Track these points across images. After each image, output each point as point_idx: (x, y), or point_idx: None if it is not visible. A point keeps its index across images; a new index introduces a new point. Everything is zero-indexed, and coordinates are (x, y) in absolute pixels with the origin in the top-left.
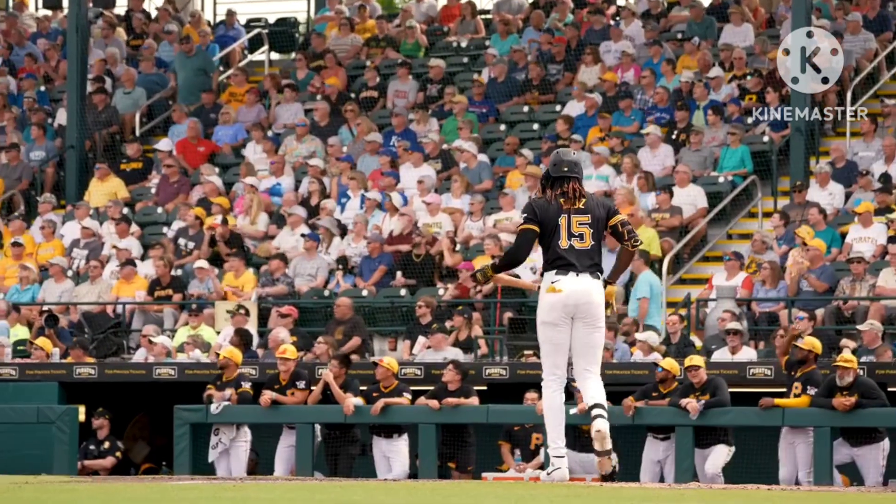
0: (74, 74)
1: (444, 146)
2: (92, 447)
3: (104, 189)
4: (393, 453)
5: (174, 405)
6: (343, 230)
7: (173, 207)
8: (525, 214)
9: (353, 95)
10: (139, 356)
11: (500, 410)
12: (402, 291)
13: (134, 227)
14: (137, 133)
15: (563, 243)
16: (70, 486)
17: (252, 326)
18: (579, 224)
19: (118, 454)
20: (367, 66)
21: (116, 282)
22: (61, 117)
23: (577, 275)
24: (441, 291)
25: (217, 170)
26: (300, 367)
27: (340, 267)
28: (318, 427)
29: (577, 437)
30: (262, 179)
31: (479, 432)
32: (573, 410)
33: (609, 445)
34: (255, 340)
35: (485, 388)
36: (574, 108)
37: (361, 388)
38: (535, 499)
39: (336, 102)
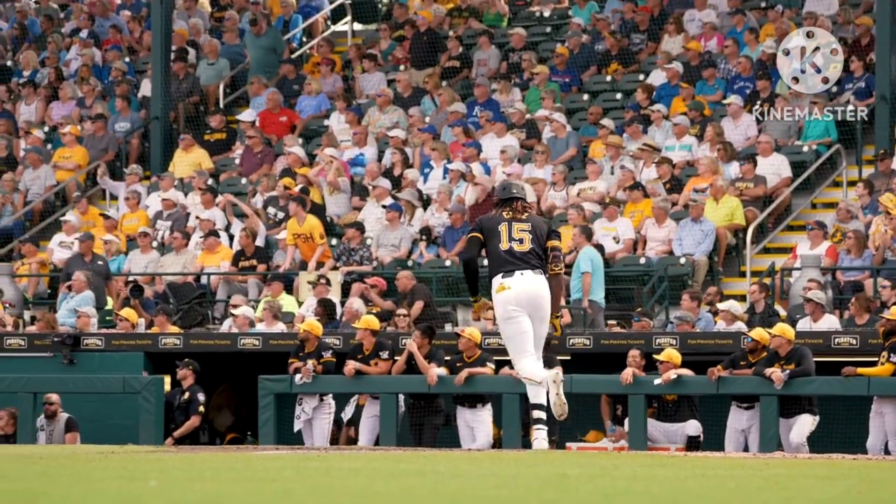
0: (158, 46)
1: (528, 116)
2: (176, 398)
3: (189, 160)
4: (477, 423)
5: (258, 375)
6: (426, 201)
7: (257, 178)
8: (471, 228)
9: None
10: (226, 326)
11: (584, 380)
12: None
13: (219, 198)
14: (221, 104)
15: (504, 246)
16: (156, 456)
17: (335, 296)
18: (520, 230)
19: (201, 409)
20: (450, 36)
21: (201, 252)
22: (145, 88)
23: (522, 273)
24: None
25: (300, 140)
26: (383, 337)
27: (424, 237)
28: (401, 397)
29: (660, 406)
30: (345, 150)
31: None
32: (657, 381)
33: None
34: (338, 310)
35: (568, 357)
36: (657, 78)
37: (445, 358)
38: (618, 468)
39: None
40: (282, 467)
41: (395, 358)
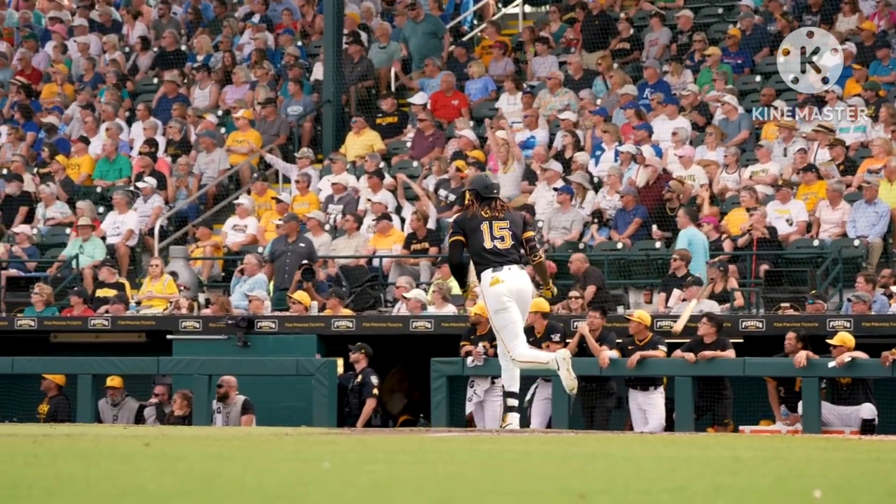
0: (330, 29)
1: (701, 97)
2: (350, 381)
3: (360, 142)
4: (649, 406)
5: (431, 358)
6: (597, 183)
7: (428, 161)
8: (452, 230)
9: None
10: (401, 310)
11: (757, 363)
12: (657, 244)
13: (388, 180)
14: (392, 87)
15: (488, 244)
16: (329, 438)
17: None
18: (500, 228)
19: (375, 392)
20: (621, 18)
21: (373, 235)
22: (318, 72)
23: (510, 267)
24: None
25: (471, 123)
26: (554, 319)
27: (595, 220)
28: None
29: (834, 389)
30: (516, 132)
31: (735, 385)
32: (831, 364)
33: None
34: None
35: (741, 340)
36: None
37: (617, 340)
38: (792, 451)
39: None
40: (454, 449)
41: (567, 340)
